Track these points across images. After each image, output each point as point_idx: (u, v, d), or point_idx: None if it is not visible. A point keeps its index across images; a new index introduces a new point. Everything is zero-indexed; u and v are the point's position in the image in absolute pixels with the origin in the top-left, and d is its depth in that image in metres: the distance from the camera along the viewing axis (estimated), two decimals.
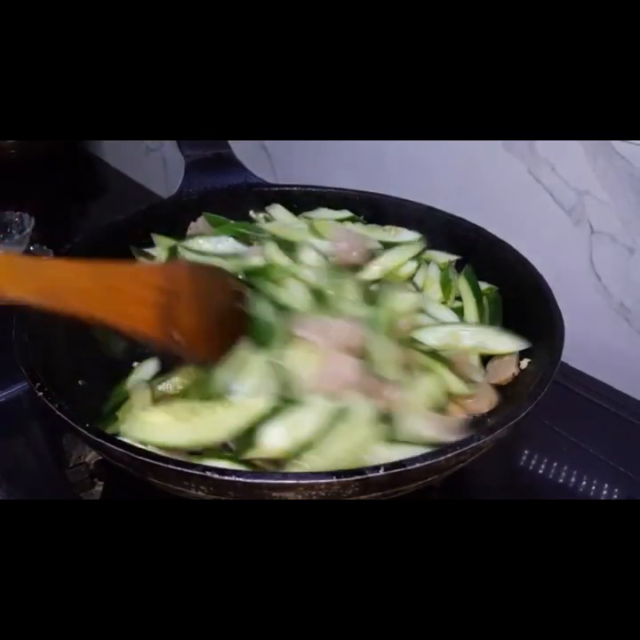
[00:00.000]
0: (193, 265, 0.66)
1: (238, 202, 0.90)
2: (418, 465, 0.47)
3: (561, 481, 0.70)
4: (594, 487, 0.70)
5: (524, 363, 0.68)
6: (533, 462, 0.73)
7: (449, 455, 0.48)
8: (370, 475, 0.46)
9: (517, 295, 0.74)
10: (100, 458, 0.67)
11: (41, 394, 0.54)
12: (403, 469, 0.46)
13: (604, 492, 0.69)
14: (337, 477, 0.45)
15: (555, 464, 0.72)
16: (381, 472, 0.46)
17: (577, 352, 0.83)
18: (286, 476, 0.46)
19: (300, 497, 0.46)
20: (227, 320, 0.63)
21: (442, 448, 0.49)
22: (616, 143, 0.78)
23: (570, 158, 0.83)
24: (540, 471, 0.72)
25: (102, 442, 0.50)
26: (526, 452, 0.74)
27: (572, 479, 0.71)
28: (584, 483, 0.70)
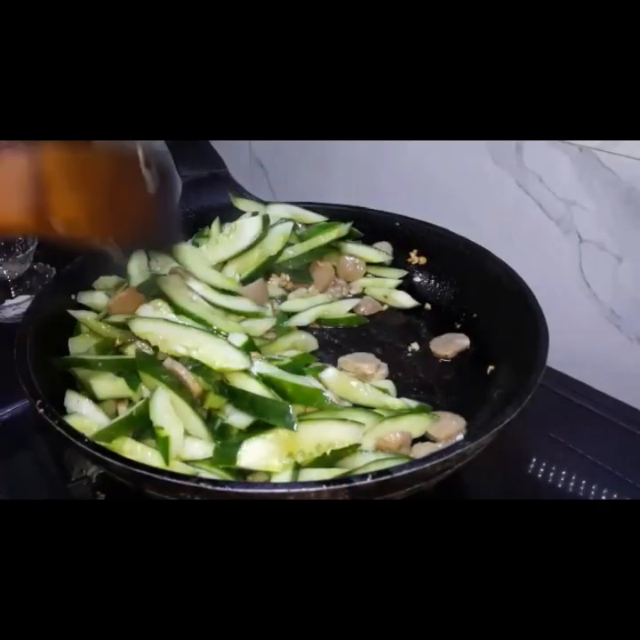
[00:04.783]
0: (67, 145, 0.58)
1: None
2: (404, 472, 0.48)
3: (555, 484, 0.72)
4: (584, 489, 0.71)
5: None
6: (530, 468, 0.74)
7: (434, 462, 0.49)
8: (358, 483, 0.48)
9: (505, 305, 0.76)
10: (102, 472, 0.69)
11: (42, 410, 0.56)
12: (389, 477, 0.48)
13: (593, 493, 0.70)
14: (326, 486, 0.47)
15: (551, 469, 0.73)
16: (369, 480, 0.47)
17: (568, 359, 0.84)
18: (277, 485, 0.48)
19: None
20: (122, 195, 0.60)
21: (428, 456, 0.50)
22: (601, 155, 0.80)
23: (557, 170, 0.85)
24: (538, 476, 0.73)
25: (100, 456, 0.52)
26: (523, 457, 0.75)
27: (565, 482, 0.72)
28: (580, 486, 0.71)
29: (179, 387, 0.63)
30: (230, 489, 0.48)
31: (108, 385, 0.68)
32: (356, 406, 0.67)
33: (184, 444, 0.61)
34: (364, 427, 0.62)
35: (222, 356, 0.66)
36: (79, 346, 0.75)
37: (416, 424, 0.66)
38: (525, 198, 0.89)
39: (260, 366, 0.66)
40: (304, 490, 0.47)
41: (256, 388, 0.64)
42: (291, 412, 0.60)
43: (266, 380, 0.65)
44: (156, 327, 0.69)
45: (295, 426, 0.60)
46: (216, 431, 0.63)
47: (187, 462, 0.61)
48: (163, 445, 0.59)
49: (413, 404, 0.69)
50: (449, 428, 0.66)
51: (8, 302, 1.03)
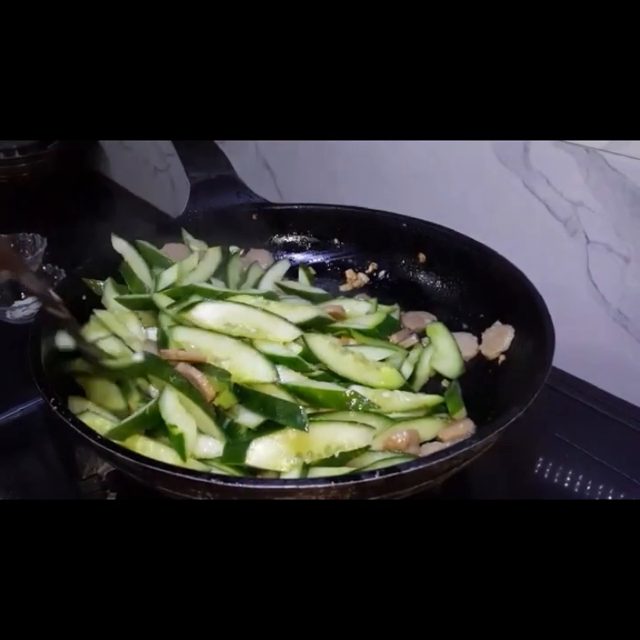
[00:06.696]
0: None
1: (241, 220, 0.93)
2: (412, 469, 0.49)
3: (561, 484, 0.72)
4: (588, 488, 0.71)
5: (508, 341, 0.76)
6: (536, 468, 0.74)
7: (442, 459, 0.50)
8: (366, 479, 0.48)
9: (511, 305, 0.77)
10: (112, 469, 0.70)
11: (55, 408, 0.57)
12: (397, 474, 0.48)
13: (599, 493, 0.71)
14: (335, 482, 0.48)
15: (557, 469, 0.74)
16: (377, 477, 0.48)
17: (575, 360, 0.84)
18: (286, 482, 0.48)
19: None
20: None
21: (435, 453, 0.51)
22: (608, 156, 0.81)
23: (564, 171, 0.85)
24: (544, 476, 0.73)
25: (113, 452, 0.52)
26: (529, 457, 0.76)
27: (571, 482, 0.72)
28: (586, 487, 0.72)
29: (188, 387, 0.64)
30: (240, 485, 0.48)
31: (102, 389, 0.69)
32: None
33: (198, 442, 0.62)
34: (375, 430, 0.63)
35: (250, 368, 0.67)
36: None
37: (427, 428, 0.67)
38: (532, 199, 0.90)
39: (286, 376, 0.67)
40: (313, 486, 0.48)
41: (281, 396, 0.65)
42: (302, 412, 0.61)
43: (293, 390, 0.66)
44: (192, 337, 0.70)
45: (306, 426, 0.60)
46: (225, 430, 0.63)
47: (199, 460, 0.61)
48: (178, 442, 0.60)
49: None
50: (457, 430, 0.67)
51: (17, 303, 1.04)
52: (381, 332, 0.82)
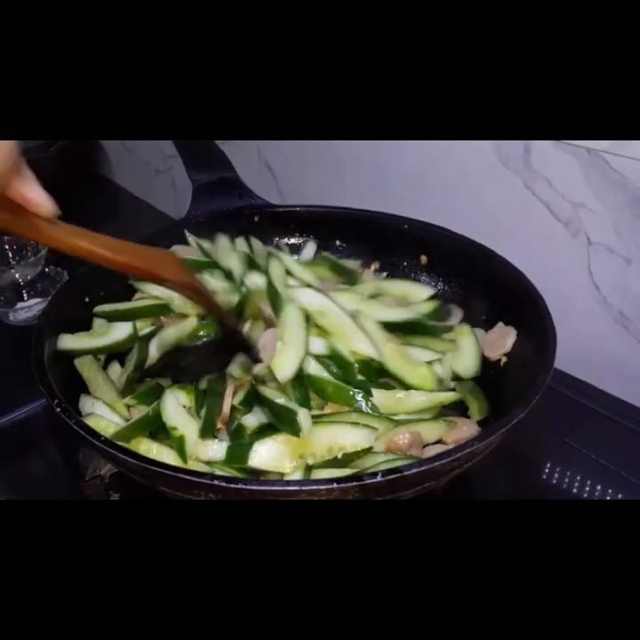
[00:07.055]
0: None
1: (243, 222, 0.94)
2: (414, 470, 0.49)
3: (564, 486, 0.72)
4: (594, 491, 0.72)
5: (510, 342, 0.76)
6: (539, 470, 0.74)
7: (444, 461, 0.50)
8: (368, 481, 0.48)
9: (513, 306, 0.77)
10: (115, 471, 0.70)
11: (59, 409, 0.58)
12: (399, 475, 0.48)
13: (606, 496, 0.71)
14: (337, 483, 0.48)
15: (559, 471, 0.74)
16: (379, 478, 0.48)
17: (577, 362, 0.85)
18: (289, 483, 0.49)
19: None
20: None
21: (437, 454, 0.51)
22: (609, 157, 0.81)
23: (565, 172, 0.85)
24: (547, 479, 0.73)
25: (116, 453, 0.53)
26: (532, 459, 0.76)
27: (572, 484, 0.72)
28: (593, 491, 0.72)
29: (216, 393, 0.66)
30: (243, 486, 0.49)
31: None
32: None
33: (203, 444, 0.62)
34: (377, 431, 0.63)
35: (282, 364, 0.68)
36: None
37: (431, 430, 0.67)
38: (533, 200, 0.90)
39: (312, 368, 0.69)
40: (315, 487, 0.48)
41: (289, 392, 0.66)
42: (298, 420, 0.61)
43: (306, 377, 0.67)
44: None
45: (301, 433, 0.61)
46: (232, 431, 0.64)
47: (203, 463, 0.62)
48: (178, 444, 0.60)
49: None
50: (461, 433, 0.67)
51: (20, 305, 1.05)
52: (434, 319, 0.81)
